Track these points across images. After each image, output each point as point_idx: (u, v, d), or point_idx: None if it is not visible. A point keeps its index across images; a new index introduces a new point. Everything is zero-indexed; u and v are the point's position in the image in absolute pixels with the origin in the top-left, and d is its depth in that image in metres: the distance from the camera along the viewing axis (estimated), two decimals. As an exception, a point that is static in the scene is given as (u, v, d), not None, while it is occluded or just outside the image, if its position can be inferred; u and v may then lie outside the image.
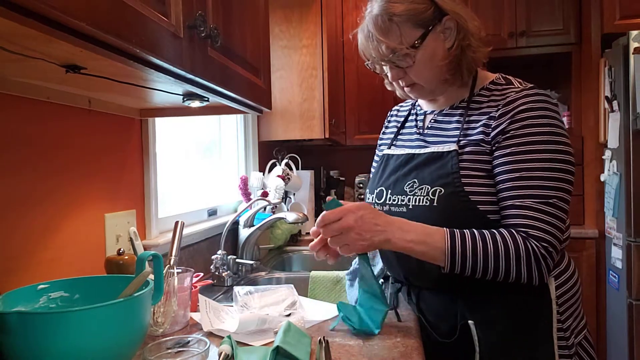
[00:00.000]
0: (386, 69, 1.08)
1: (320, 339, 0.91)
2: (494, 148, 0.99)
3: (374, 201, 1.14)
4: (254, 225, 1.91)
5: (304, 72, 2.41)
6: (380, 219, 0.94)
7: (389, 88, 1.18)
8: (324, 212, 0.93)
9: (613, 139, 2.47)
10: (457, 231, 0.94)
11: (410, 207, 1.04)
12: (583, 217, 2.83)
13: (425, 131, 1.13)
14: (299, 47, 2.40)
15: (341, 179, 3.20)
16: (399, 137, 1.21)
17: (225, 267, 1.65)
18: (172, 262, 1.02)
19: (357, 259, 1.32)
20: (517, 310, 0.99)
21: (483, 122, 1.01)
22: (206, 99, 1.11)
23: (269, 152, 2.56)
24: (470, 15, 1.05)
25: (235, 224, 1.93)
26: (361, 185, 3.12)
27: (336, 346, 0.93)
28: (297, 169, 2.63)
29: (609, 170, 2.56)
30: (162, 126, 1.63)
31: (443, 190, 0.99)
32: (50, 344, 0.67)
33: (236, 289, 1.18)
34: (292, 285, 1.21)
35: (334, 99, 2.58)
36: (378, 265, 1.31)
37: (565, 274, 1.04)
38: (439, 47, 1.02)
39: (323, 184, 2.96)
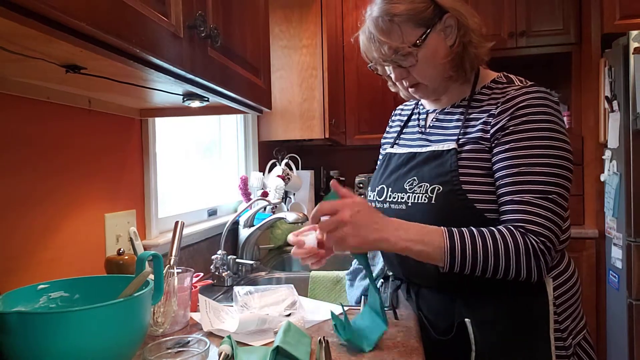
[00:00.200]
0: (389, 69, 1.09)
1: (320, 339, 0.91)
2: (493, 145, 0.99)
3: (374, 199, 1.15)
4: (254, 225, 1.91)
5: (304, 72, 2.41)
6: (378, 217, 0.93)
7: (392, 90, 1.18)
8: (322, 202, 0.92)
9: (613, 139, 2.47)
10: (455, 230, 0.93)
11: (409, 204, 1.04)
12: (583, 217, 2.83)
13: (427, 130, 1.14)
14: (299, 47, 2.40)
15: (341, 179, 3.20)
16: (402, 135, 1.22)
17: (225, 267, 1.65)
18: (172, 262, 1.02)
19: (355, 260, 1.32)
20: (513, 309, 0.99)
21: (482, 119, 1.01)
22: (206, 99, 1.11)
23: (269, 152, 2.56)
24: (471, 12, 1.05)
25: (235, 224, 1.93)
26: (361, 185, 3.12)
27: (336, 346, 0.93)
28: (297, 169, 2.63)
29: (609, 170, 2.56)
30: (162, 126, 1.63)
31: (441, 188, 0.99)
32: (50, 344, 0.67)
33: (236, 289, 1.18)
34: (292, 285, 1.21)
35: (334, 99, 2.58)
36: (378, 265, 1.32)
37: (565, 275, 1.04)
38: (441, 45, 1.03)
39: (323, 184, 2.96)
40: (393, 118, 1.32)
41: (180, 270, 1.07)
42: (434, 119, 1.14)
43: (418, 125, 1.17)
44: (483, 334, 0.99)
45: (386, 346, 0.94)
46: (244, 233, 1.92)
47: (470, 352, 1.00)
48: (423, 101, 1.21)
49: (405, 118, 1.24)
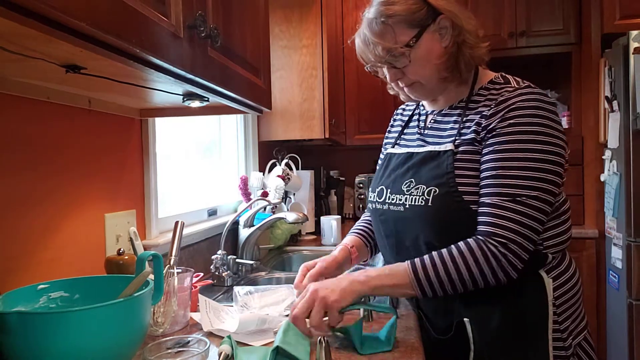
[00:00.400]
0: (385, 70, 1.09)
1: (320, 339, 0.91)
2: (482, 147, 0.99)
3: (374, 199, 1.15)
4: (254, 225, 1.91)
5: (304, 72, 2.41)
6: (337, 278, 1.00)
7: (391, 92, 1.19)
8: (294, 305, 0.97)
9: (613, 139, 2.47)
10: (417, 261, 0.96)
11: (407, 206, 1.05)
12: (583, 217, 2.84)
13: (425, 131, 1.14)
14: (299, 47, 2.40)
15: (341, 179, 3.20)
16: (403, 136, 1.22)
17: (225, 267, 1.65)
18: (172, 262, 1.02)
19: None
20: (512, 309, 0.99)
21: (476, 121, 1.01)
22: (206, 99, 1.11)
23: (269, 152, 2.56)
24: (467, 15, 1.05)
25: (235, 224, 1.93)
26: (361, 185, 3.12)
27: (336, 346, 0.93)
28: (297, 169, 2.63)
29: (609, 170, 2.56)
30: (162, 126, 1.63)
31: (438, 190, 1.00)
32: (50, 344, 0.67)
33: (236, 289, 1.18)
34: (292, 285, 1.21)
35: (334, 99, 2.58)
36: (379, 264, 1.32)
37: (565, 275, 1.04)
38: (435, 45, 1.03)
39: (323, 184, 2.96)
40: (395, 117, 1.32)
41: (180, 270, 1.07)
42: (432, 120, 1.14)
43: (417, 126, 1.18)
44: (481, 334, 1.00)
45: (386, 346, 0.94)
46: (244, 233, 1.92)
47: (469, 352, 1.01)
48: (423, 101, 1.21)
49: (406, 118, 1.25)
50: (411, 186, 1.05)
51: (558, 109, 2.99)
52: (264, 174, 2.34)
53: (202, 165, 2.08)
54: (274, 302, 1.15)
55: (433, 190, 1.00)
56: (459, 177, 0.99)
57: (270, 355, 0.83)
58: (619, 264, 2.45)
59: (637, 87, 2.30)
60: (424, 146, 1.10)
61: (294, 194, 2.60)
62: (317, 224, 2.64)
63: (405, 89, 1.10)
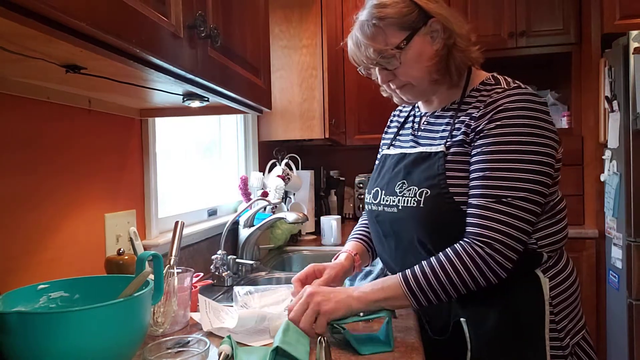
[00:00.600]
0: (377, 72, 1.10)
1: (319, 339, 0.91)
2: (471, 148, 1.00)
3: (370, 201, 1.16)
4: (254, 225, 1.91)
5: (304, 72, 2.41)
6: (335, 288, 1.02)
7: (384, 95, 1.20)
8: (292, 303, 0.98)
9: (613, 139, 2.47)
10: (408, 272, 0.97)
11: (400, 208, 1.06)
12: (583, 217, 2.83)
13: (419, 132, 1.14)
14: (299, 47, 2.40)
15: (341, 179, 3.20)
16: (398, 137, 1.23)
17: (225, 267, 1.65)
18: (172, 262, 1.02)
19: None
20: (508, 309, 1.00)
21: (466, 122, 1.02)
22: (206, 99, 1.11)
23: (269, 152, 2.56)
24: (459, 19, 1.06)
25: (235, 224, 1.93)
26: (361, 185, 3.12)
27: (336, 346, 0.93)
28: (297, 169, 2.63)
29: (609, 170, 2.56)
30: (162, 126, 1.63)
31: (429, 192, 1.01)
32: (50, 344, 0.67)
33: (236, 289, 1.18)
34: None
35: (334, 99, 2.58)
36: (378, 265, 1.32)
37: (562, 275, 1.04)
38: (426, 48, 1.03)
39: (323, 184, 2.96)
40: (392, 119, 1.33)
41: (180, 270, 1.07)
42: (425, 122, 1.15)
43: (412, 128, 1.18)
44: (478, 334, 1.00)
45: (386, 346, 0.94)
46: (244, 233, 1.92)
47: (466, 352, 1.01)
48: (419, 103, 1.21)
49: (402, 120, 1.25)
50: (404, 187, 1.06)
51: (558, 109, 2.99)
52: (264, 174, 2.34)
53: (202, 165, 2.08)
54: (274, 302, 1.14)
55: (425, 191, 1.01)
56: (450, 179, 1.00)
57: (270, 355, 0.83)
58: (619, 264, 2.45)
59: (637, 87, 2.30)
60: (416, 147, 1.11)
61: (294, 194, 2.60)
62: (317, 224, 2.64)
63: (397, 91, 1.11)
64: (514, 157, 0.94)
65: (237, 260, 1.74)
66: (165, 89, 1.02)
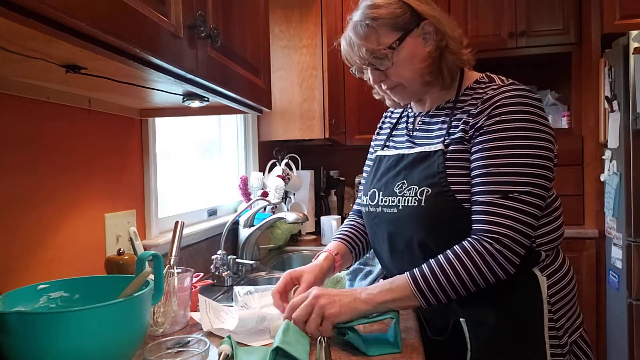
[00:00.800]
0: (369, 73, 1.10)
1: (320, 339, 0.91)
2: (471, 145, 1.00)
3: (367, 203, 1.15)
4: (254, 225, 1.91)
5: (304, 72, 2.41)
6: (342, 289, 1.00)
7: (376, 97, 1.21)
8: (293, 301, 0.98)
9: (613, 139, 2.47)
10: (416, 271, 0.96)
11: (400, 207, 1.05)
12: (583, 217, 2.83)
13: (414, 133, 1.15)
14: (299, 47, 2.40)
15: (341, 179, 3.20)
16: (392, 138, 1.23)
17: (225, 267, 1.65)
18: (172, 262, 1.02)
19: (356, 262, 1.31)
20: (507, 309, 1.00)
21: (464, 120, 1.02)
22: (206, 99, 1.11)
23: (269, 152, 2.56)
24: (451, 23, 1.07)
25: (235, 224, 1.93)
26: (361, 185, 3.12)
27: (336, 346, 0.93)
28: (297, 169, 2.63)
29: (609, 170, 2.56)
30: (162, 126, 1.63)
31: (430, 191, 1.00)
32: (50, 344, 0.67)
33: (236, 289, 1.18)
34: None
35: (334, 99, 2.58)
36: (378, 265, 1.32)
37: (559, 273, 1.04)
38: (418, 49, 1.04)
39: (323, 184, 2.96)
40: (383, 120, 1.33)
41: (180, 270, 1.07)
42: (419, 122, 1.15)
43: (406, 128, 1.19)
44: (478, 334, 1.00)
45: (386, 346, 0.93)
46: (244, 233, 1.92)
47: (466, 352, 1.01)
48: (412, 103, 1.21)
49: (394, 121, 1.26)
50: (403, 187, 1.06)
51: (558, 109, 2.99)
52: (264, 174, 2.34)
53: (202, 165, 2.08)
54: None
55: (425, 190, 1.01)
56: (451, 177, 1.00)
57: (270, 355, 0.83)
58: (619, 264, 2.45)
59: (637, 87, 2.30)
60: (414, 147, 1.11)
61: (294, 194, 2.60)
62: (317, 224, 2.65)
63: (389, 92, 1.11)
64: (516, 152, 0.94)
65: (237, 260, 1.74)
66: (165, 89, 1.02)
